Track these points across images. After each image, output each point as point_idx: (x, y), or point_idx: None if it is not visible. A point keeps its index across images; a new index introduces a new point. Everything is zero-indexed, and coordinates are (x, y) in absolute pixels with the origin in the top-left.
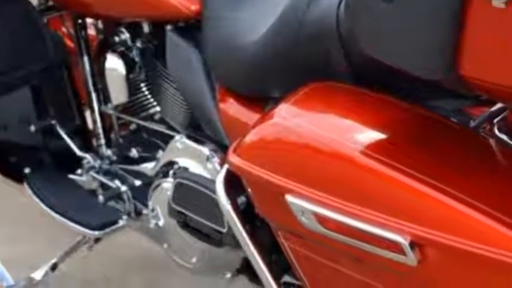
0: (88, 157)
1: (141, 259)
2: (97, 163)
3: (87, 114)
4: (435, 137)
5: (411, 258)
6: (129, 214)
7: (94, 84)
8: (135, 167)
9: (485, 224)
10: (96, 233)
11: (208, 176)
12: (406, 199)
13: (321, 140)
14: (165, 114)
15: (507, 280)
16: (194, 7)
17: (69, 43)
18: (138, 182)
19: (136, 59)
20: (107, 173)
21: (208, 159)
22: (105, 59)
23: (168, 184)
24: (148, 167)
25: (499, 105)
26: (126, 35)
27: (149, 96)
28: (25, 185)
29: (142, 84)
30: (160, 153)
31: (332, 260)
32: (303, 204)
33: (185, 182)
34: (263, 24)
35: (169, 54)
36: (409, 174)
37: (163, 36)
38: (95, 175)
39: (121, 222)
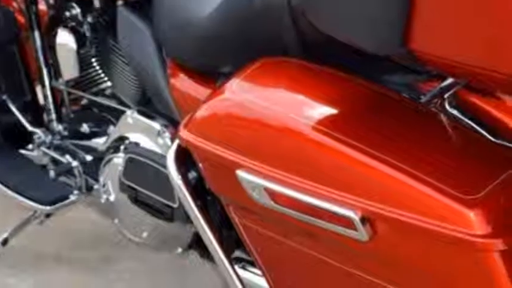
0: (39, 132)
1: (92, 234)
2: (48, 138)
3: (38, 89)
4: (386, 112)
5: (362, 234)
6: (80, 189)
7: (45, 60)
8: (86, 142)
9: (435, 198)
10: (47, 208)
11: (159, 151)
12: (357, 174)
13: (272, 115)
14: (116, 89)
15: (457, 254)
16: None
17: (20, 18)
18: (89, 157)
19: (87, 34)
20: (58, 148)
21: (159, 134)
22: (56, 34)
23: (119, 159)
24: (99, 142)
25: (449, 80)
26: (77, 10)
27: (100, 71)
28: None
29: (93, 60)
30: (111, 128)
31: (283, 236)
32: (254, 180)
33: (136, 157)
34: None
35: (120, 29)
36: (360, 149)
37: (114, 11)
38: (46, 150)
39: (72, 198)
